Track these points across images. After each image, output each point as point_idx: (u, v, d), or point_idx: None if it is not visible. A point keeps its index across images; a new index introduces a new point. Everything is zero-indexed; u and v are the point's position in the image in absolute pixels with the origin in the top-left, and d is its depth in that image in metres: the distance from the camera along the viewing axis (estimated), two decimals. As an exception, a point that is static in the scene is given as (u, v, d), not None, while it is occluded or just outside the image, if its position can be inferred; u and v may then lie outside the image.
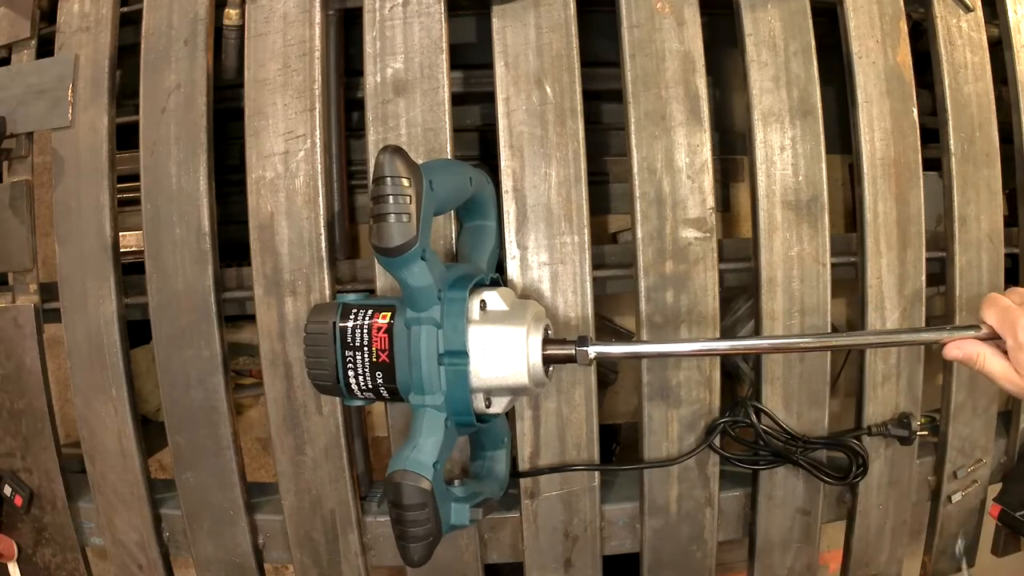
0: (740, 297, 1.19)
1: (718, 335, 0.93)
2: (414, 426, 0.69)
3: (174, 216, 0.92)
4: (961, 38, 0.98)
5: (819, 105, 0.93)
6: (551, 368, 0.74)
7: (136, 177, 0.94)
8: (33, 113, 0.95)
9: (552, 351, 0.72)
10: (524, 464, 0.94)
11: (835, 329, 0.99)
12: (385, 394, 0.73)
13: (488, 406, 0.72)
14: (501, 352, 0.68)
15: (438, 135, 0.90)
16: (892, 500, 1.00)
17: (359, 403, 0.76)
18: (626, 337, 1.17)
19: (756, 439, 0.94)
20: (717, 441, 0.94)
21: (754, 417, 0.93)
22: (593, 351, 0.72)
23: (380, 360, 0.71)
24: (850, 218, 1.18)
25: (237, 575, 0.99)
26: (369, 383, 0.72)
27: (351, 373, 0.72)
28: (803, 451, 0.93)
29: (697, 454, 0.94)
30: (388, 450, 0.95)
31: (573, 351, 0.72)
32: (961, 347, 0.68)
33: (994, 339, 0.67)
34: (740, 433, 0.95)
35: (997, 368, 0.67)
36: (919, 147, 0.96)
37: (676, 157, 0.91)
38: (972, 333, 0.68)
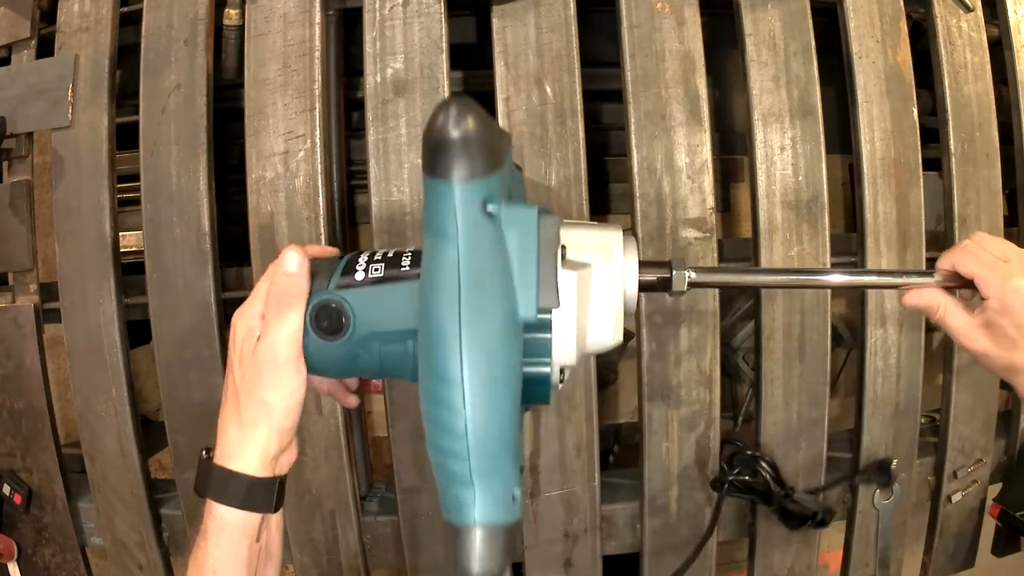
0: (740, 297, 1.19)
1: (718, 335, 0.93)
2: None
3: (174, 216, 0.92)
4: (961, 38, 0.98)
5: (819, 105, 0.93)
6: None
7: (136, 177, 0.94)
8: (33, 113, 0.95)
9: (646, 275, 0.57)
10: (523, 466, 0.94)
11: (836, 332, 0.99)
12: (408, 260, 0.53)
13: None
14: (590, 260, 0.53)
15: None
16: (892, 500, 1.00)
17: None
18: (626, 337, 1.17)
19: (751, 483, 0.95)
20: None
21: (766, 474, 0.94)
22: (690, 274, 0.58)
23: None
24: (850, 218, 1.18)
25: (237, 575, 0.99)
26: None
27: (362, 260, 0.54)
28: (785, 497, 0.94)
29: (718, 513, 0.95)
30: (388, 449, 0.95)
31: (669, 274, 0.58)
32: (922, 295, 0.62)
33: (958, 287, 0.62)
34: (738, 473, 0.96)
35: (958, 322, 0.61)
36: (919, 147, 0.96)
37: (676, 157, 0.91)
38: (932, 280, 0.62)
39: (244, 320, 0.54)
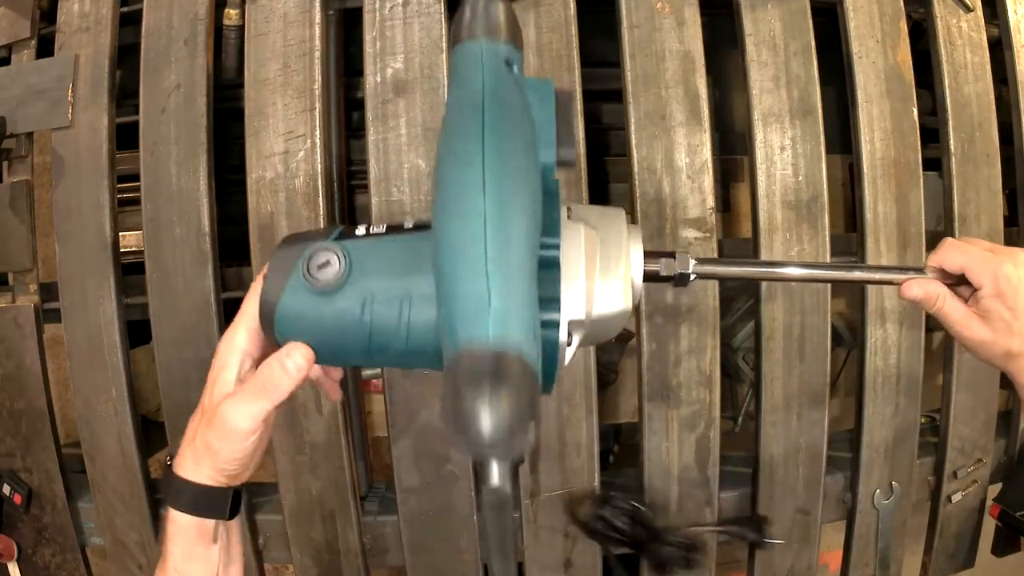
0: (740, 297, 1.19)
1: (718, 335, 0.93)
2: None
3: (174, 216, 0.92)
4: (961, 38, 0.98)
5: (819, 105, 0.93)
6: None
7: (136, 177, 0.94)
8: (33, 113, 0.95)
9: (651, 264, 0.56)
10: (524, 465, 0.94)
11: (836, 332, 0.99)
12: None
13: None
14: (601, 242, 0.51)
15: (438, 135, 0.89)
16: (892, 500, 1.00)
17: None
18: (626, 337, 1.17)
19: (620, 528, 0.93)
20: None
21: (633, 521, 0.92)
22: (693, 264, 0.58)
23: None
24: (850, 218, 1.18)
25: (237, 575, 0.99)
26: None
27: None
28: (653, 541, 0.93)
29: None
30: (388, 449, 0.95)
31: (674, 259, 0.57)
32: (922, 286, 0.64)
33: (955, 284, 0.64)
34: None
35: (956, 313, 0.63)
36: (919, 147, 0.96)
37: (676, 157, 0.91)
38: (927, 276, 0.64)
39: (227, 347, 0.54)
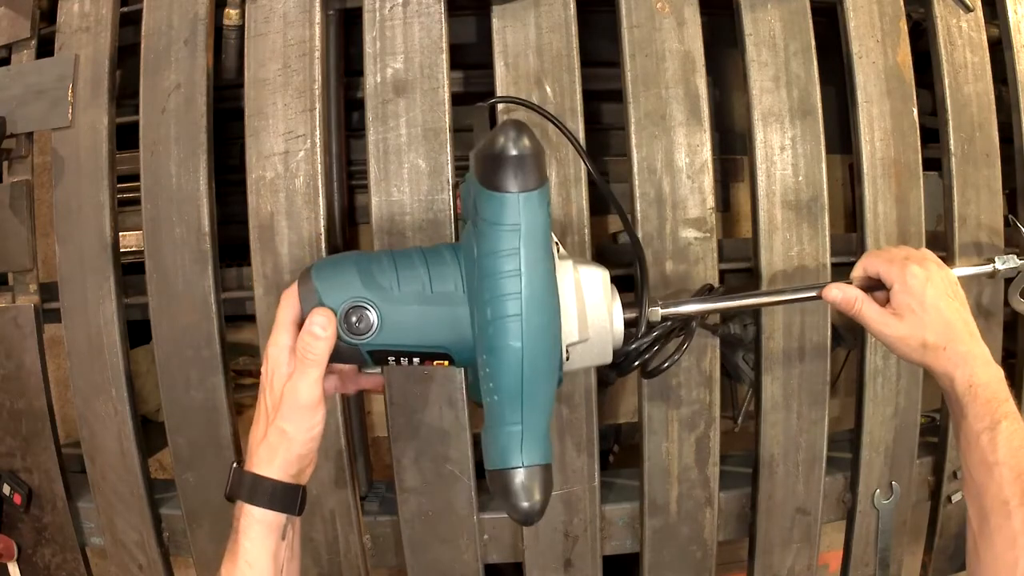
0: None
1: (718, 335, 0.93)
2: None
3: (174, 216, 0.92)
4: (961, 38, 0.98)
5: (819, 105, 0.93)
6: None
7: (136, 177, 0.94)
8: (33, 113, 0.95)
9: (626, 314, 0.69)
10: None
11: (836, 332, 0.99)
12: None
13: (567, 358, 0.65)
14: (589, 297, 0.64)
15: (438, 135, 0.90)
16: (892, 500, 1.00)
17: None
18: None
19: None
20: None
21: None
22: (661, 311, 0.72)
23: None
24: (850, 218, 1.18)
25: (237, 575, 0.99)
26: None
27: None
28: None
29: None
30: (388, 449, 0.95)
31: (639, 312, 0.72)
32: (841, 289, 0.73)
33: (872, 289, 0.73)
34: None
35: (874, 314, 0.71)
36: (919, 147, 0.96)
37: (676, 157, 0.91)
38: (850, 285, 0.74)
39: (274, 349, 0.62)
